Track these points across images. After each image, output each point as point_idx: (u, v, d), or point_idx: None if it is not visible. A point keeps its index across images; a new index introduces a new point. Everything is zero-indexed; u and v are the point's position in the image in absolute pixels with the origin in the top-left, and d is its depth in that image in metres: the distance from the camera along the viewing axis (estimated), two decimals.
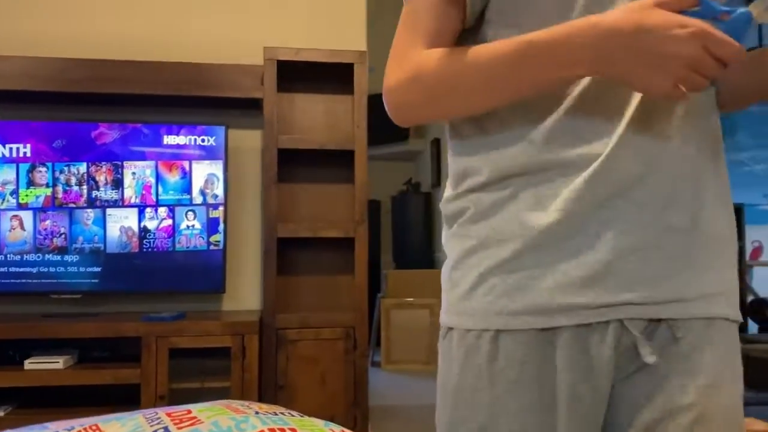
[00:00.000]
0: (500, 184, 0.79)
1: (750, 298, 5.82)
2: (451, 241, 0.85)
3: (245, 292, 3.06)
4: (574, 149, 0.75)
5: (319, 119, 3.06)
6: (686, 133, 0.77)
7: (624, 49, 0.67)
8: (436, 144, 6.26)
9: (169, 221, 2.82)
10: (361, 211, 2.81)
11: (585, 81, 0.76)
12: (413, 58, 0.79)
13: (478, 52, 0.75)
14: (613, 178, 0.74)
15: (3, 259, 2.74)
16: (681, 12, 0.66)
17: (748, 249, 6.05)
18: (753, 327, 5.67)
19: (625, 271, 0.75)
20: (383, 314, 5.41)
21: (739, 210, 5.97)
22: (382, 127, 6.76)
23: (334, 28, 3.18)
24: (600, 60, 0.69)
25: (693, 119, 0.78)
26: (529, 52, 0.72)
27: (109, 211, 2.80)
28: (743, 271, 5.97)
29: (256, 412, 0.81)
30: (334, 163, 3.04)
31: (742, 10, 0.66)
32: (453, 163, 0.87)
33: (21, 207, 2.76)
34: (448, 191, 0.87)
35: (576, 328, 0.75)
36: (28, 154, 2.77)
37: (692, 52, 0.65)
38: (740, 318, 0.81)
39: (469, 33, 0.83)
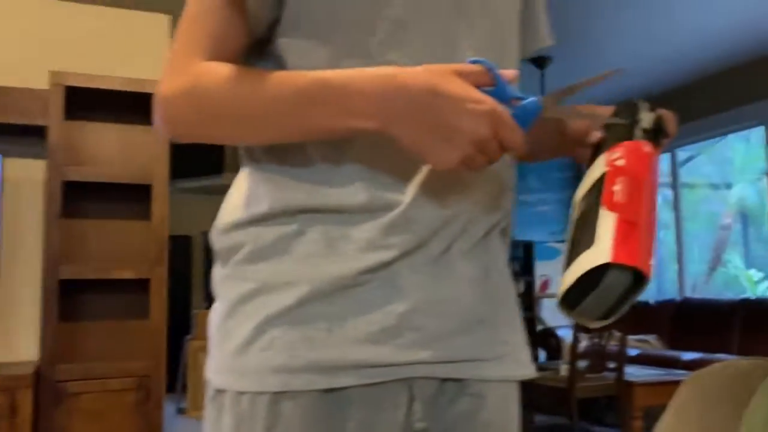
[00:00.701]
0: (285, 218, 0.70)
1: (539, 327, 6.37)
2: (224, 284, 0.73)
3: (20, 340, 2.71)
4: (370, 191, 0.69)
5: (115, 150, 2.84)
6: (485, 180, 0.73)
7: (413, 110, 0.62)
8: None
9: None
10: (158, 250, 2.62)
11: None
12: (191, 69, 0.70)
13: (266, 80, 0.67)
14: (411, 227, 0.69)
15: None
16: (476, 87, 0.63)
17: (538, 282, 6.64)
18: (542, 356, 6.19)
19: (421, 326, 0.69)
20: (191, 357, 5.11)
21: (529, 247, 6.56)
22: (194, 159, 6.50)
23: (133, 56, 3.00)
24: (389, 117, 0.63)
25: (494, 168, 0.74)
26: (321, 93, 0.65)
27: None
28: (534, 303, 6.54)
29: None
30: (130, 197, 2.82)
31: (533, 98, 0.65)
32: (236, 187, 0.77)
33: None
34: (221, 220, 0.76)
35: (367, 389, 0.67)
36: None
37: (481, 131, 0.61)
38: (533, 373, 0.79)
39: (264, 44, 0.74)
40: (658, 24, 4.43)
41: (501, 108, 0.62)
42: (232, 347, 0.70)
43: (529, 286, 6.55)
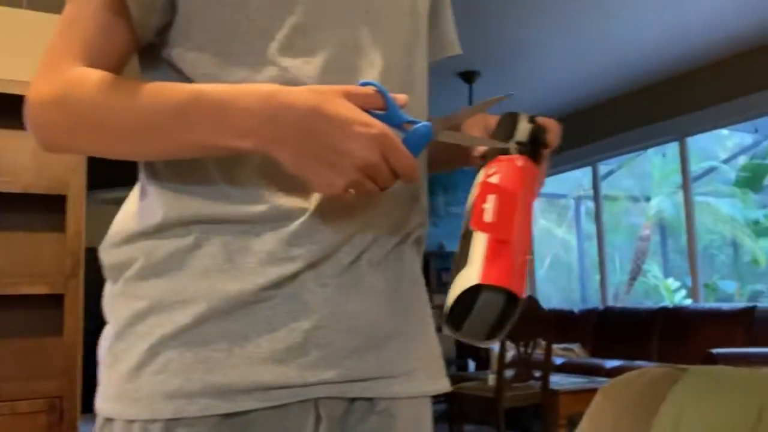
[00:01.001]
0: (179, 229, 0.65)
1: None
2: (114, 303, 0.68)
3: None
4: (272, 200, 0.65)
5: (27, 159, 2.70)
6: (396, 189, 0.70)
7: (294, 132, 0.59)
8: None
9: None
10: (73, 264, 2.50)
11: None
12: (65, 74, 0.65)
13: (143, 91, 0.62)
14: (317, 237, 0.65)
15: None
16: (366, 111, 0.61)
17: None
18: (471, 366, 6.27)
19: (327, 343, 0.65)
20: None
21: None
22: (113, 169, 6.27)
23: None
24: (268, 137, 0.60)
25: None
26: (196, 110, 0.61)
27: None
28: None
29: None
30: (44, 209, 2.69)
31: (424, 122, 0.63)
32: (130, 199, 0.73)
33: None
34: (112, 233, 0.71)
35: (270, 412, 0.63)
36: None
37: (369, 155, 0.58)
38: (445, 387, 0.77)
39: (156, 50, 0.69)
40: (584, 40, 4.60)
41: (391, 132, 0.60)
42: (122, 371, 0.64)
43: None
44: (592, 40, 4.57)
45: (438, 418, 4.90)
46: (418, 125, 0.63)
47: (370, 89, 0.62)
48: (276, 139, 0.60)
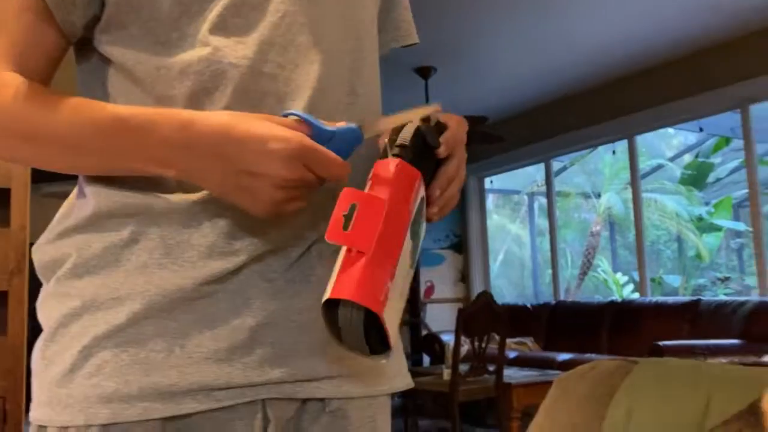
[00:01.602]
0: (114, 222, 0.62)
1: (424, 332, 6.50)
2: (46, 304, 0.65)
3: None
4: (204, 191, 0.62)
5: None
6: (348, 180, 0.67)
7: (209, 160, 0.57)
8: None
9: None
10: (17, 259, 2.41)
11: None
12: None
13: (67, 108, 0.60)
14: (261, 228, 0.62)
15: None
16: None
17: (422, 288, 6.78)
18: (427, 360, 6.32)
19: (274, 341, 0.62)
20: None
21: None
22: None
23: None
24: (188, 167, 0.58)
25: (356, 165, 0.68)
26: (118, 136, 0.59)
27: None
28: (419, 308, 6.66)
29: None
30: None
31: (352, 126, 0.61)
32: (73, 191, 0.70)
33: None
34: (47, 230, 0.68)
35: (214, 414, 0.60)
36: None
37: (287, 173, 0.56)
38: (405, 385, 0.74)
39: (88, 43, 0.67)
40: (539, 38, 4.66)
41: (309, 142, 0.58)
42: (54, 375, 0.61)
43: (414, 291, 6.67)
44: (546, 38, 4.64)
45: (393, 413, 4.92)
46: (343, 128, 0.61)
47: (290, 120, 0.59)
48: (194, 168, 0.59)
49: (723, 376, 1.15)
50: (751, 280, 7.64)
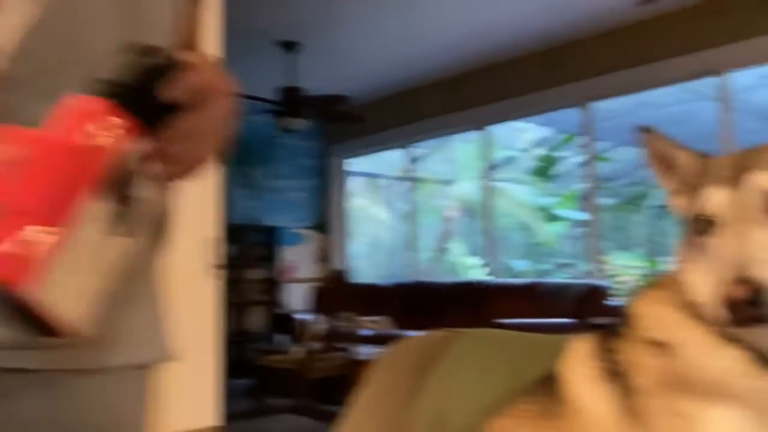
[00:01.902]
0: None
1: (282, 312, 6.47)
2: None
3: None
4: None
5: None
6: None
7: None
8: None
9: None
10: None
11: None
12: None
13: None
14: None
15: None
16: None
17: (282, 267, 6.73)
18: (282, 339, 6.30)
19: None
20: None
21: (273, 232, 6.62)
22: None
23: None
24: None
25: None
26: None
27: None
28: (276, 287, 6.62)
29: None
30: None
31: None
32: None
33: None
34: None
35: None
36: None
37: None
38: (161, 357, 0.66)
39: None
40: (400, 25, 4.74)
41: None
42: None
43: (273, 270, 6.61)
44: (406, 27, 4.74)
45: (242, 394, 4.86)
46: None
47: None
48: None
49: (539, 344, 1.23)
50: (588, 266, 8.35)
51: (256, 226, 6.58)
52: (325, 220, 7.19)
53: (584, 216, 5.69)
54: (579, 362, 0.87)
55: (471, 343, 1.31)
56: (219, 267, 2.82)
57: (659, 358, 0.77)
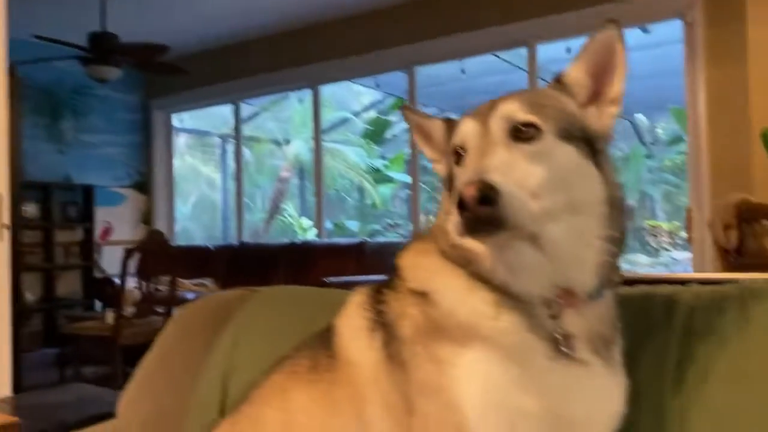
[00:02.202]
0: None
1: (98, 276, 6.04)
2: None
3: None
4: None
5: None
6: None
7: None
8: None
9: None
10: None
11: None
12: None
13: None
14: None
15: None
16: None
17: (98, 229, 6.26)
18: (98, 305, 5.90)
19: None
20: None
21: (89, 191, 6.11)
22: None
23: None
24: None
25: None
26: None
27: None
28: (93, 250, 6.15)
29: None
30: None
31: None
32: None
33: None
34: None
35: None
36: None
37: None
38: None
39: None
40: None
41: None
42: None
43: (89, 232, 6.13)
44: None
45: (49, 363, 4.50)
46: None
47: None
48: None
49: (327, 299, 1.23)
50: (414, 227, 8.69)
51: (67, 184, 6.03)
52: (147, 179, 6.77)
53: (409, 179, 5.90)
54: (350, 314, 0.87)
55: (264, 301, 1.29)
56: (8, 228, 2.55)
57: (419, 307, 0.78)
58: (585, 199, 0.74)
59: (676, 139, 9.45)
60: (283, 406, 0.86)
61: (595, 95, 0.79)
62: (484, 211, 0.65)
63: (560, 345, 0.74)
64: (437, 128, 0.87)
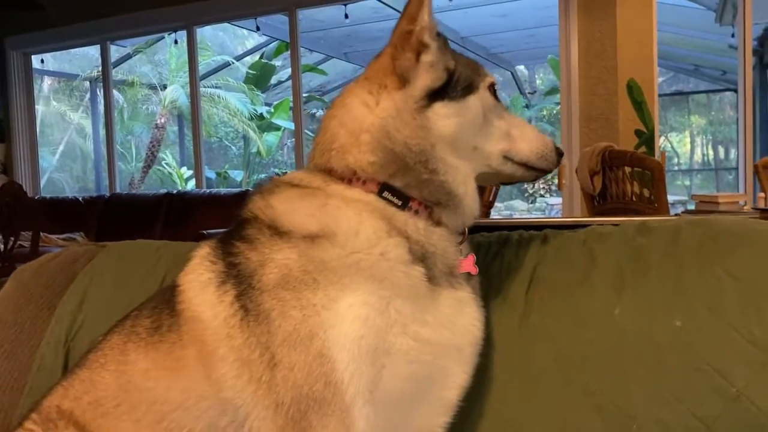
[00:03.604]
0: None
1: None
2: None
3: None
4: None
5: None
6: None
7: None
8: None
9: None
10: None
11: None
12: None
13: None
14: None
15: None
16: None
17: None
18: None
19: None
20: None
21: None
22: None
23: None
24: None
25: None
26: None
27: None
28: None
29: None
30: None
31: None
32: None
33: None
34: None
35: None
36: None
37: None
38: None
39: None
40: None
41: None
42: None
43: None
44: None
45: None
46: None
47: None
48: None
49: (184, 252, 1.15)
50: None
51: None
52: (6, 125, 6.18)
53: (293, 126, 5.76)
54: (195, 268, 0.81)
55: (113, 257, 1.19)
56: None
57: (297, 251, 0.74)
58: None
59: (553, 90, 9.86)
60: (121, 369, 0.79)
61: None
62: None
63: (449, 274, 0.77)
64: (432, 29, 0.79)
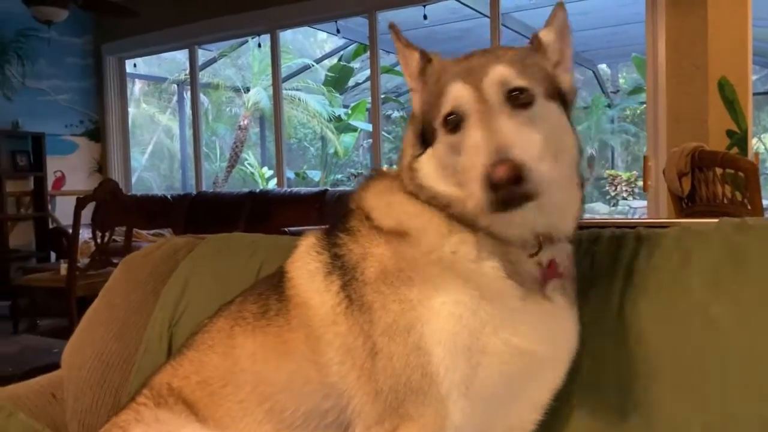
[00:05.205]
0: None
1: (52, 226, 5.89)
2: None
3: None
4: None
5: None
6: None
7: None
8: None
9: None
10: None
11: None
12: None
13: None
14: None
15: None
16: None
17: (50, 179, 6.07)
18: (53, 257, 5.77)
19: None
20: None
21: (39, 139, 5.89)
22: None
23: None
24: None
25: None
26: None
27: None
28: (46, 200, 5.98)
29: None
30: None
31: None
32: None
33: None
34: None
35: None
36: None
37: None
38: None
39: None
40: None
41: None
42: None
43: (40, 182, 5.95)
44: None
45: (4, 316, 4.41)
46: None
47: None
48: None
49: (277, 245, 1.21)
50: None
51: (15, 131, 5.79)
52: (101, 126, 6.55)
53: (370, 127, 5.83)
54: (302, 257, 0.86)
55: (212, 248, 1.26)
56: None
57: (391, 246, 0.77)
58: (566, 152, 0.76)
59: (637, 89, 9.53)
60: (228, 352, 0.85)
61: (560, 58, 0.84)
62: (519, 190, 0.65)
63: (538, 283, 0.76)
64: (413, 59, 0.83)
